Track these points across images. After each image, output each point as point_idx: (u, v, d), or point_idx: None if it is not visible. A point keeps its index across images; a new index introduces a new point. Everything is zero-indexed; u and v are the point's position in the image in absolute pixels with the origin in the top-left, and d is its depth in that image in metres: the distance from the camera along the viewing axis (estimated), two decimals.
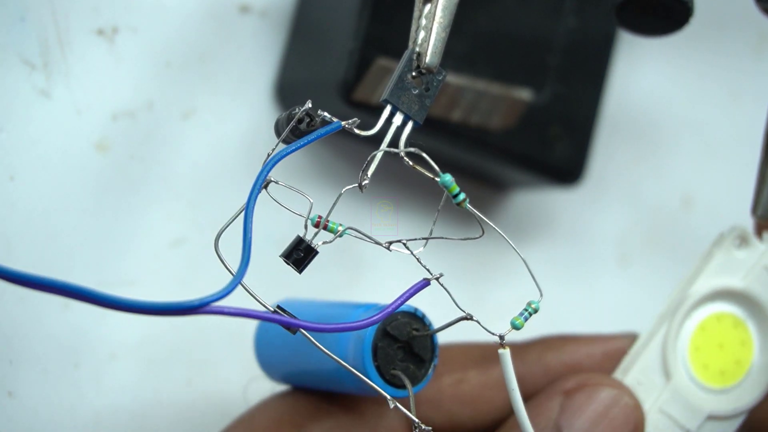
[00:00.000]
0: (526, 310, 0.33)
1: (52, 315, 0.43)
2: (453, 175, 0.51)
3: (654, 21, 0.39)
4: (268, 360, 0.39)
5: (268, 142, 0.39)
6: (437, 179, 0.31)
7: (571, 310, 0.56)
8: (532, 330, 0.55)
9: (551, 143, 0.48)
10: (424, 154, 0.30)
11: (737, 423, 0.41)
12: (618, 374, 0.40)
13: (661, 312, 0.41)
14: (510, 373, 0.33)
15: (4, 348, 0.42)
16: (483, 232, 0.31)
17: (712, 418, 0.40)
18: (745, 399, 0.41)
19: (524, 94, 0.47)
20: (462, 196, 0.30)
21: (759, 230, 0.41)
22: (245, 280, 0.29)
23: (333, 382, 0.35)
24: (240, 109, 0.47)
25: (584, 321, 0.55)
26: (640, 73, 0.57)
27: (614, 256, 0.58)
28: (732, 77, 0.56)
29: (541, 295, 0.34)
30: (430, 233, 0.32)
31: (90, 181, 0.44)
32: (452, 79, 0.45)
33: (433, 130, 0.45)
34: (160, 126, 0.45)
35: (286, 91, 0.47)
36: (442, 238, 0.32)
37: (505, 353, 0.33)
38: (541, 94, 0.47)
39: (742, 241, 0.41)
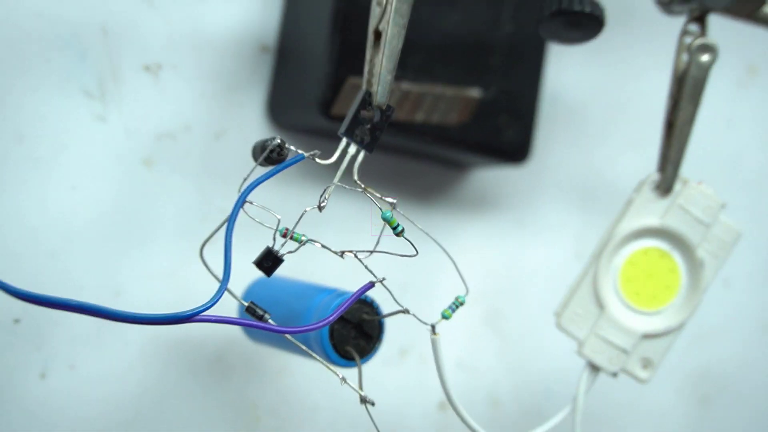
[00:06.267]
0: (454, 303, 0.36)
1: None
2: (419, 161, 0.56)
3: (573, 33, 0.42)
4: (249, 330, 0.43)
5: None
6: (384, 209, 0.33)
7: (521, 267, 0.59)
8: (491, 285, 0.57)
9: (501, 131, 0.51)
10: (369, 194, 0.33)
11: (672, 339, 0.44)
12: (559, 308, 0.43)
13: (593, 252, 0.44)
14: (440, 357, 0.36)
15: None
16: (417, 253, 0.34)
17: (647, 336, 0.44)
18: (677, 317, 0.44)
19: (475, 93, 0.50)
20: (400, 228, 0.33)
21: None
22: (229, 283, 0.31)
23: (299, 352, 0.39)
24: (262, 130, 0.49)
25: (534, 278, 0.59)
26: (570, 65, 0.60)
27: (557, 222, 0.61)
28: (643, 65, 0.60)
29: (467, 290, 0.37)
30: (375, 247, 0.34)
31: (138, 190, 0.46)
32: (413, 87, 0.48)
33: (401, 131, 0.49)
34: (196, 145, 0.48)
35: (277, 110, 0.50)
36: (385, 252, 0.34)
37: (436, 339, 0.36)
38: (489, 91, 0.50)
39: (658, 186, 0.44)
